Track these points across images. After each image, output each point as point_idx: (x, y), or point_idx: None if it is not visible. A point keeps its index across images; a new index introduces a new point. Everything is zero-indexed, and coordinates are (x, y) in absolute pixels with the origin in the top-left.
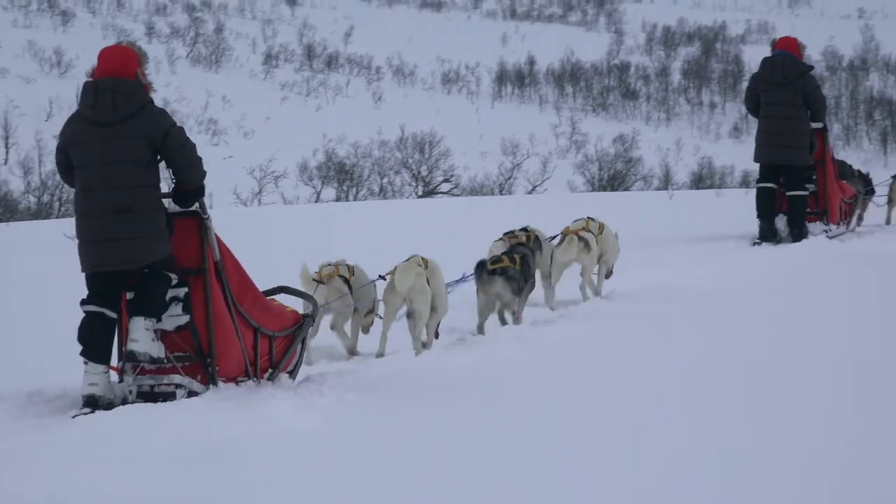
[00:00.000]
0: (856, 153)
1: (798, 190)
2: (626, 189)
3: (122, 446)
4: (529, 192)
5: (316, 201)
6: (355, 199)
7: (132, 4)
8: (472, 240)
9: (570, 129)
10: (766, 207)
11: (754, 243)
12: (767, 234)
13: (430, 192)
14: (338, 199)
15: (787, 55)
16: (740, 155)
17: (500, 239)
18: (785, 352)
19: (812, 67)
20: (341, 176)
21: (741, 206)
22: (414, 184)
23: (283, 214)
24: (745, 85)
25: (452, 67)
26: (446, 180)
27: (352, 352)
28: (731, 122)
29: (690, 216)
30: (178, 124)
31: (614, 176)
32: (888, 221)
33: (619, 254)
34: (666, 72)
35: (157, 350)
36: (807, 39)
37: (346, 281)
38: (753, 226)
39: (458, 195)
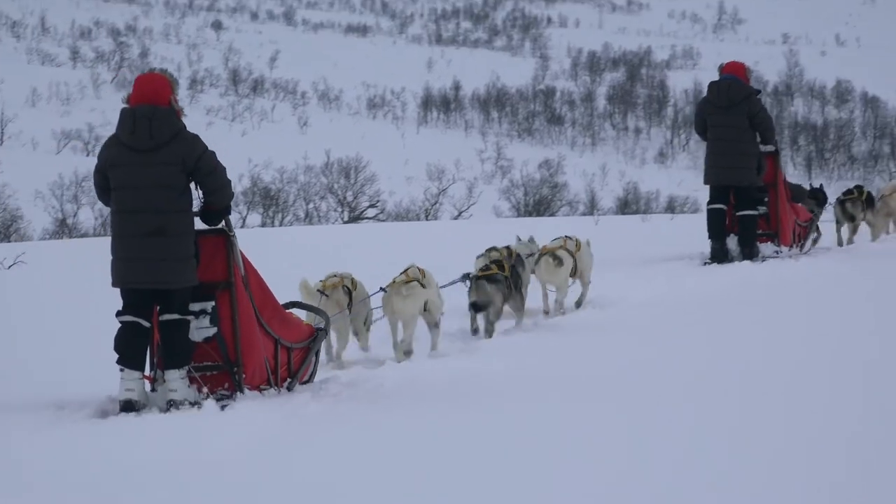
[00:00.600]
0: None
1: (748, 210)
2: (552, 214)
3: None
4: (455, 218)
5: (241, 227)
6: (281, 224)
7: (57, 29)
8: (398, 264)
9: (496, 154)
10: (718, 228)
11: (705, 263)
12: (719, 254)
13: (355, 218)
14: (263, 225)
15: (732, 79)
16: (665, 180)
17: (483, 255)
18: (779, 352)
19: (758, 91)
20: (267, 201)
21: (668, 231)
22: (340, 209)
23: None
24: (669, 110)
25: (378, 92)
26: (372, 206)
27: (338, 356)
28: (656, 148)
29: (617, 240)
30: (210, 150)
31: (540, 201)
32: (840, 243)
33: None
34: (591, 97)
35: (193, 395)
36: None
37: (349, 292)
38: (686, 248)
39: (383, 220)
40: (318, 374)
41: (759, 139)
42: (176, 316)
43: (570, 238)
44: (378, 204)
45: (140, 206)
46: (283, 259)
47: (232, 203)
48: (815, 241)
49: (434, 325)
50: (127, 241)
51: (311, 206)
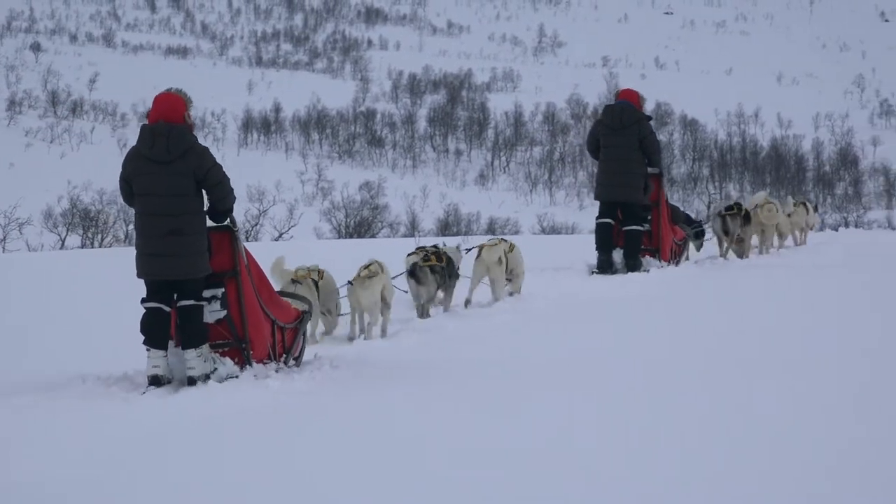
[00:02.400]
0: None
1: (634, 225)
2: (373, 236)
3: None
4: (276, 239)
5: (61, 248)
6: (101, 245)
7: None
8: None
9: (317, 176)
10: (605, 241)
11: (592, 272)
12: (605, 265)
13: None
14: (83, 246)
15: (626, 104)
16: (486, 202)
17: (414, 252)
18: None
19: (650, 117)
20: (86, 223)
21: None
22: None
23: (28, 261)
24: (490, 132)
25: (198, 114)
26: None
27: (312, 337)
28: (476, 170)
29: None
30: (217, 162)
31: (361, 223)
32: (723, 255)
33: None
34: (412, 119)
35: (209, 367)
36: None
37: (315, 283)
38: (540, 263)
39: None
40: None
41: (646, 161)
42: (192, 302)
43: (504, 240)
44: None
45: (160, 210)
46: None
47: (233, 205)
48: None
49: (387, 309)
50: (150, 240)
51: (130, 227)
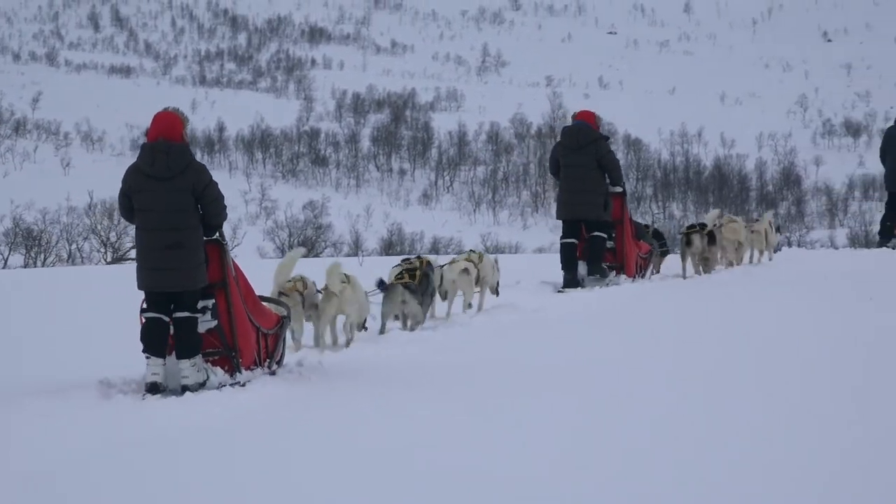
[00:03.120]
0: (544, 219)
1: (598, 231)
2: (317, 255)
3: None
4: None
5: (3, 268)
6: (43, 265)
7: None
8: None
9: (260, 195)
10: (570, 260)
11: (559, 291)
12: (571, 283)
13: (118, 259)
14: (25, 266)
15: (583, 124)
16: (429, 221)
17: (398, 265)
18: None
19: (607, 137)
20: (29, 242)
21: None
22: (103, 250)
23: None
24: (434, 152)
25: (142, 133)
26: (134, 247)
27: (298, 344)
28: (420, 189)
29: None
30: (213, 179)
31: (304, 242)
32: (684, 275)
33: (499, 275)
34: (356, 139)
35: (202, 377)
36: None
37: (301, 293)
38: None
39: None
40: (288, 357)
41: (607, 180)
42: (188, 314)
43: (474, 251)
44: None
45: (160, 225)
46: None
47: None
48: (655, 271)
49: (356, 323)
50: (150, 253)
51: (73, 246)
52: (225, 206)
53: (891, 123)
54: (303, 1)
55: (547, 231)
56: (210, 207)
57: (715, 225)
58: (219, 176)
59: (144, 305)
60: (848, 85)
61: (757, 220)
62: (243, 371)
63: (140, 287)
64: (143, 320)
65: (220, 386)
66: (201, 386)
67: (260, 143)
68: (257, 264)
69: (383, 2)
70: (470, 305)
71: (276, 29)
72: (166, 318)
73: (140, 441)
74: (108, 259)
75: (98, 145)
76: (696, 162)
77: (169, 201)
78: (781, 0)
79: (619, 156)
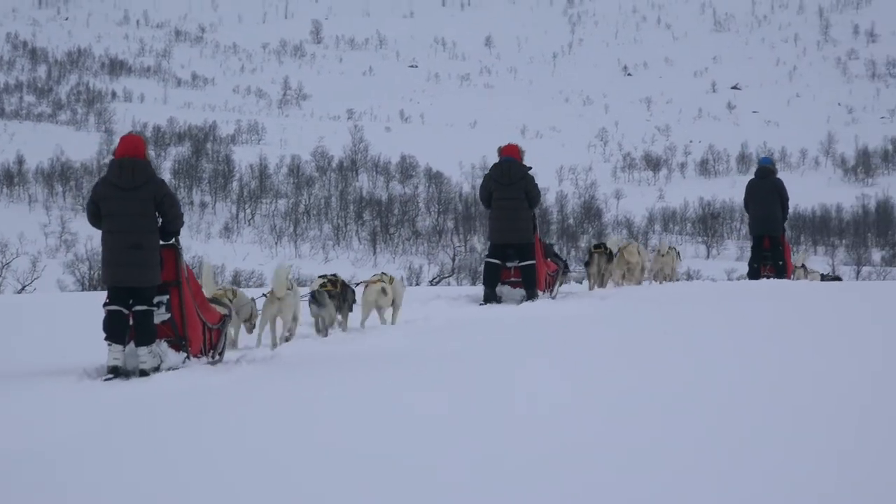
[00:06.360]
0: (346, 252)
1: (528, 260)
2: None
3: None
4: (19, 292)
5: None
6: None
7: None
8: None
9: (61, 228)
10: (492, 277)
11: (481, 304)
12: (491, 298)
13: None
14: None
15: (513, 161)
16: (231, 254)
17: (321, 276)
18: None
19: (531, 168)
20: None
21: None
22: None
23: None
24: (235, 185)
25: None
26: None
27: (234, 343)
28: (221, 222)
29: None
30: (172, 191)
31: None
32: (590, 287)
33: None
34: (157, 171)
35: (157, 362)
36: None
37: (230, 301)
38: None
39: None
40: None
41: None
42: (145, 307)
43: (385, 274)
44: None
45: (124, 227)
46: None
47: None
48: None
49: (293, 321)
50: (114, 252)
51: None
52: (181, 214)
53: (752, 176)
54: (103, 33)
55: (349, 264)
56: (169, 213)
57: (622, 248)
58: (18, 209)
59: (107, 300)
60: (647, 119)
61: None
62: (191, 358)
63: (104, 282)
64: (106, 312)
65: (171, 369)
66: (156, 370)
67: (60, 175)
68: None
69: (184, 35)
70: (384, 321)
71: (77, 61)
72: (126, 311)
73: (100, 416)
74: None
75: None
76: None
77: (132, 208)
78: (581, 34)
79: (420, 189)
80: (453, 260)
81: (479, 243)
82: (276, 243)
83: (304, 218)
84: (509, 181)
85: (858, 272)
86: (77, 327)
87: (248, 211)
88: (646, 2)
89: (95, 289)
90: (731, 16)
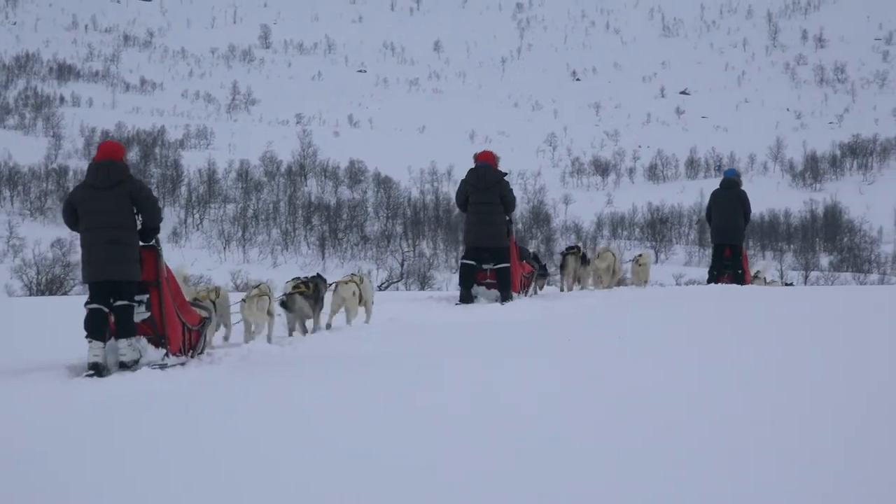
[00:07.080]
0: (294, 258)
1: (503, 263)
2: (66, 293)
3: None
4: None
5: None
6: None
7: None
8: None
9: (8, 233)
10: (468, 278)
11: (456, 304)
12: (466, 298)
13: None
14: None
15: (487, 166)
16: (179, 259)
17: (290, 281)
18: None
19: (506, 174)
20: None
21: None
22: None
23: None
24: (183, 189)
25: None
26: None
27: (210, 344)
28: (170, 227)
29: None
30: (148, 188)
31: (52, 280)
32: (562, 289)
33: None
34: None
35: (137, 355)
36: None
37: (213, 301)
38: None
39: None
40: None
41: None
42: (126, 302)
43: (355, 274)
44: None
45: (103, 223)
46: None
47: (161, 225)
48: (537, 290)
49: (272, 320)
50: (93, 248)
51: None
52: (160, 210)
53: (717, 187)
54: (51, 38)
55: (297, 269)
56: (146, 207)
57: (598, 254)
58: None
59: (88, 298)
60: (596, 124)
61: (640, 255)
62: (171, 356)
63: (84, 279)
64: (87, 310)
65: (151, 364)
66: (136, 363)
67: (7, 180)
68: (5, 304)
69: (132, 39)
70: (350, 320)
71: (24, 66)
72: (106, 309)
73: (81, 410)
74: None
75: None
76: (447, 200)
77: (110, 204)
78: (530, 39)
79: (369, 194)
80: (402, 265)
81: (428, 248)
82: (224, 248)
83: (253, 223)
84: (485, 186)
85: (807, 277)
86: (35, 330)
87: (197, 216)
88: (595, 7)
89: (44, 294)
90: (680, 21)
